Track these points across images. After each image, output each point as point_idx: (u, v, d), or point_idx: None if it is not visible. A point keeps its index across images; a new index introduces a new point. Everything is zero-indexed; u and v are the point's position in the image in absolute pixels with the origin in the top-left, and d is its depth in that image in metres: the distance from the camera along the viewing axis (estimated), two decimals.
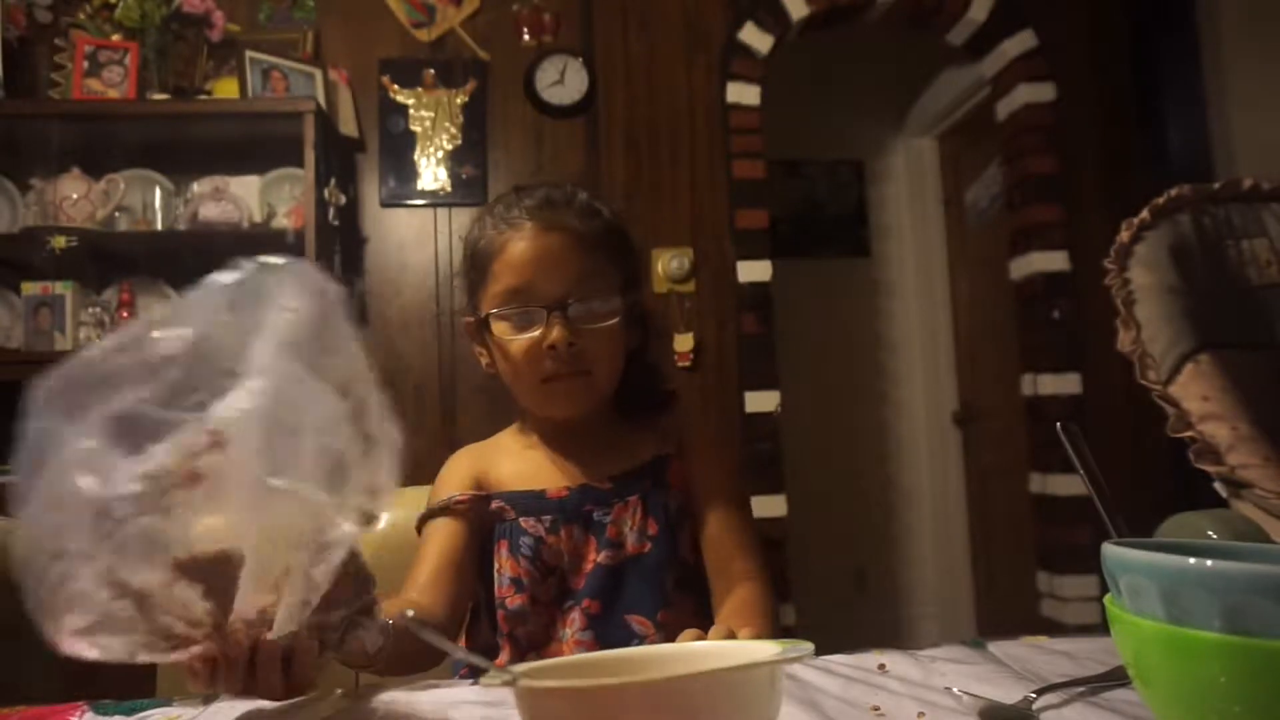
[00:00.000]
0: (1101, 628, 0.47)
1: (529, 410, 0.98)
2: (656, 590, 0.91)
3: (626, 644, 0.87)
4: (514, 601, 0.90)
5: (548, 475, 0.95)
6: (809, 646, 0.43)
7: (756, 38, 2.84)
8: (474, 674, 0.82)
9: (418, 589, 0.89)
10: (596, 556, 0.91)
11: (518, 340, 0.89)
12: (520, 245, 0.90)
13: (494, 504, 0.94)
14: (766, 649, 0.44)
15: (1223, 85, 2.76)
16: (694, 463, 0.99)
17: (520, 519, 0.92)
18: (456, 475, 0.98)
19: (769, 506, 2.67)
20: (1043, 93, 2.92)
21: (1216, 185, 1.23)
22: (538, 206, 0.91)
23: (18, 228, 2.45)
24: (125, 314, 2.42)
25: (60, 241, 2.35)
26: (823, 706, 0.57)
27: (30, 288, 2.39)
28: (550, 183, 0.98)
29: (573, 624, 0.89)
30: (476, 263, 0.94)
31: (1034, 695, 0.56)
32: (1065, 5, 2.99)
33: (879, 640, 0.78)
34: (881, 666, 0.65)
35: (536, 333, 0.88)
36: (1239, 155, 2.69)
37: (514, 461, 0.98)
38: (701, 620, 0.89)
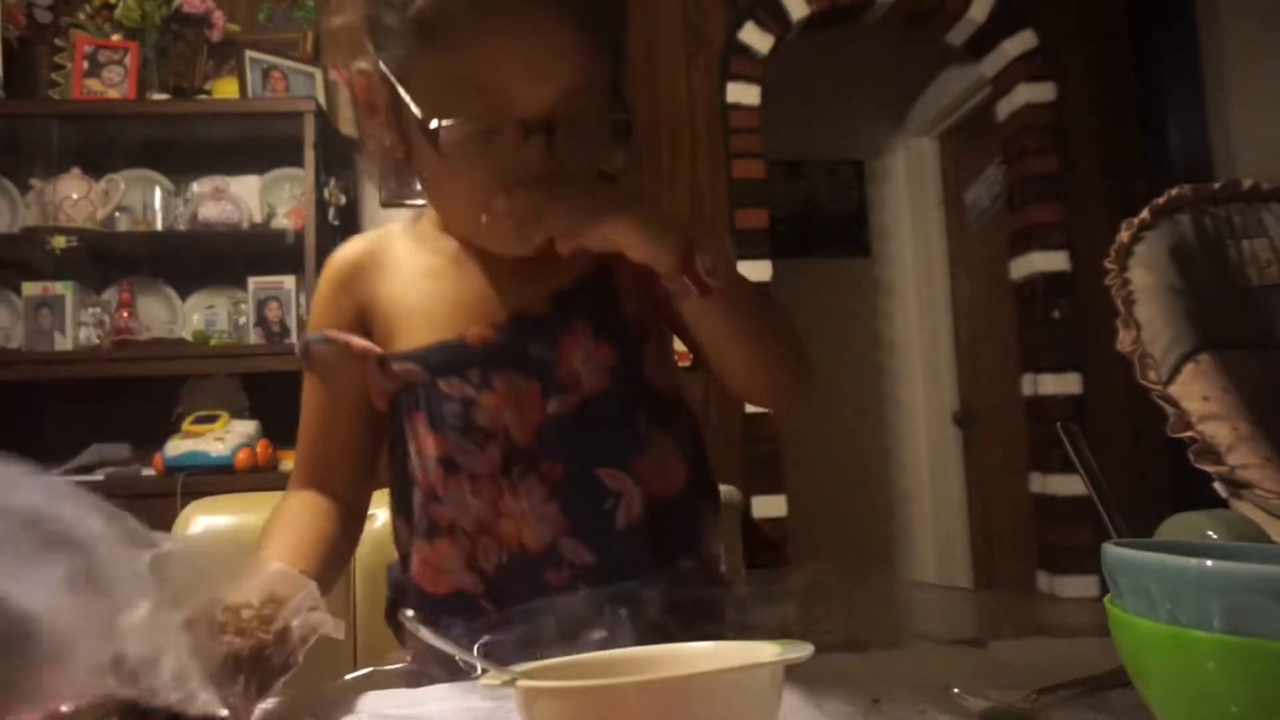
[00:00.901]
0: (1102, 628, 0.47)
1: (449, 228, 0.73)
2: (627, 433, 0.72)
3: (599, 507, 0.71)
4: (449, 488, 0.71)
5: (463, 307, 0.71)
6: (809, 647, 0.43)
7: (756, 38, 2.84)
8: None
9: (315, 466, 0.76)
10: (546, 405, 0.71)
11: (470, 166, 0.63)
12: (497, 15, 0.60)
13: (397, 367, 0.72)
14: (767, 649, 0.44)
15: (1223, 85, 2.76)
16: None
17: (438, 380, 0.70)
18: (332, 304, 0.76)
19: (769, 506, 2.67)
20: (1043, 93, 2.92)
21: (1217, 185, 1.23)
22: None
23: (18, 228, 2.45)
24: (125, 314, 2.42)
25: (60, 241, 2.35)
26: (822, 705, 0.57)
27: (30, 288, 2.39)
28: None
29: (530, 494, 0.70)
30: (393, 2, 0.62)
31: (1034, 695, 0.56)
32: (1065, 5, 2.98)
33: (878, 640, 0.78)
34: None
35: (499, 158, 0.62)
36: (1239, 155, 2.69)
37: (412, 286, 0.74)
38: (688, 456, 0.76)
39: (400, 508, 0.78)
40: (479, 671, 0.46)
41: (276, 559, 0.64)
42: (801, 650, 0.42)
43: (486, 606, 0.72)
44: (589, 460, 0.71)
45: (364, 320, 0.74)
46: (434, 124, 0.61)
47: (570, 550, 0.71)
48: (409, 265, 0.75)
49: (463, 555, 0.72)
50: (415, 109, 0.62)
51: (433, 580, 0.74)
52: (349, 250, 0.77)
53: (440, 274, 0.73)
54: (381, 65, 0.64)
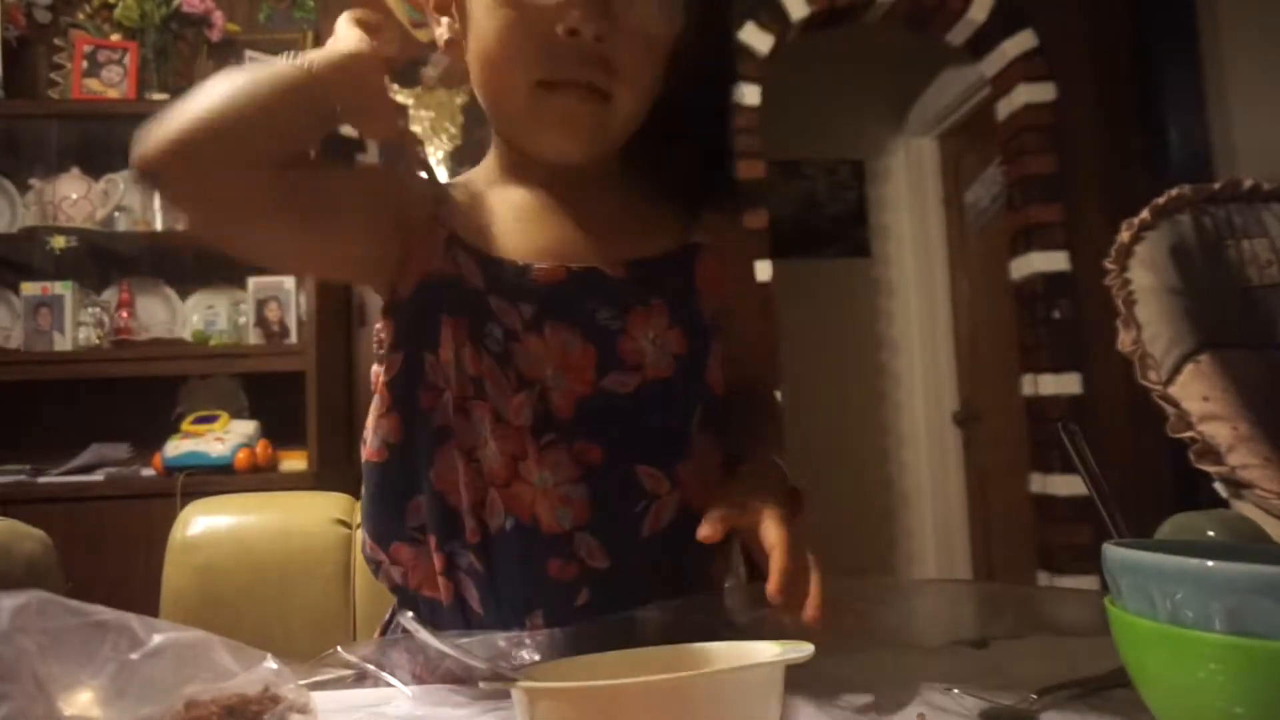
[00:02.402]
0: (1102, 628, 0.47)
1: (509, 145, 0.69)
2: (679, 432, 0.67)
3: (630, 508, 0.65)
4: (474, 411, 0.63)
5: (535, 235, 0.66)
6: (809, 647, 0.43)
7: (756, 37, 2.84)
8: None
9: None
10: (599, 379, 0.65)
11: (520, 18, 0.59)
12: None
13: (459, 255, 0.65)
14: (767, 649, 0.44)
15: (1223, 85, 2.76)
16: (732, 261, 0.73)
17: (490, 296, 0.64)
18: (387, 171, 0.73)
19: None
20: (1043, 93, 2.92)
21: (1217, 185, 1.23)
22: None
23: (17, 228, 2.45)
24: (125, 314, 2.42)
25: (60, 241, 2.35)
26: (822, 705, 0.57)
27: (30, 288, 2.39)
28: None
29: (557, 470, 0.64)
30: None
31: (1034, 695, 0.56)
32: (1065, 5, 2.98)
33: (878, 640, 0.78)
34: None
35: (549, 8, 0.58)
36: (1239, 155, 2.69)
37: (481, 209, 0.68)
38: (719, 471, 0.70)
39: (401, 401, 0.66)
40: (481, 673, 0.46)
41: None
42: (801, 650, 0.42)
43: (477, 567, 0.65)
44: (633, 452, 0.65)
45: (410, 220, 0.66)
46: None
47: (585, 548, 0.65)
48: (483, 198, 0.69)
49: (470, 491, 0.64)
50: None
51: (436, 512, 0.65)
52: (402, 176, 0.72)
53: (519, 211, 0.68)
54: None
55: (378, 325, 0.69)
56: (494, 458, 0.64)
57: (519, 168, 0.69)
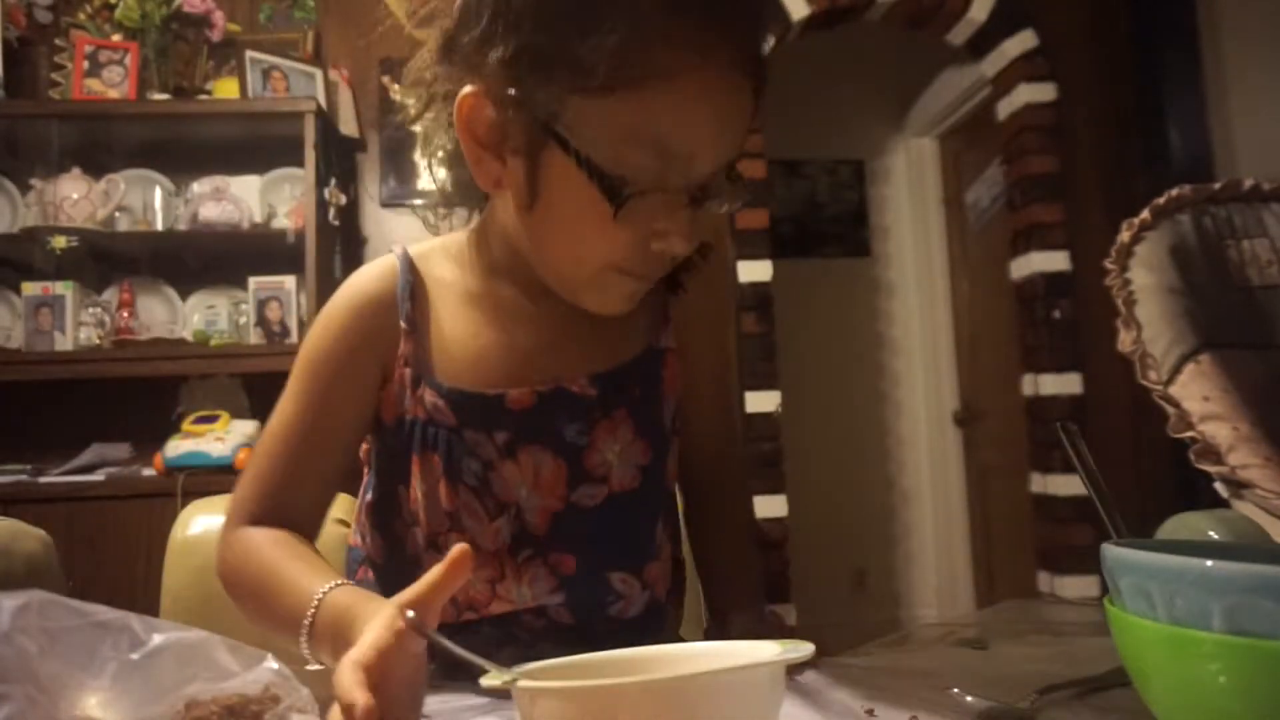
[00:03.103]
0: (1102, 628, 0.47)
1: (515, 258, 0.66)
2: (647, 538, 0.70)
3: (606, 608, 0.69)
4: (449, 544, 0.57)
5: (503, 364, 0.66)
6: (809, 647, 0.43)
7: None
8: None
9: (281, 490, 0.66)
10: (569, 493, 0.67)
11: (621, 224, 0.56)
12: (699, 82, 0.54)
13: (426, 395, 0.66)
14: (767, 649, 0.44)
15: (1224, 85, 2.76)
16: (694, 355, 0.73)
17: (465, 430, 0.65)
18: (352, 343, 0.67)
19: (770, 506, 2.67)
20: (1043, 93, 2.92)
21: (1217, 185, 1.23)
22: (733, 9, 0.56)
23: (18, 228, 2.45)
24: (126, 314, 2.42)
25: (60, 241, 2.35)
26: (821, 706, 0.57)
27: (31, 288, 2.39)
28: None
29: (534, 583, 0.66)
30: (587, 30, 0.53)
31: (1034, 695, 0.56)
32: (1066, 5, 2.98)
33: (878, 640, 0.78)
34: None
35: (658, 224, 0.58)
36: (1240, 155, 2.69)
37: (459, 317, 0.68)
38: (677, 553, 0.76)
39: (380, 527, 0.71)
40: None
41: (310, 585, 0.59)
42: (802, 650, 0.42)
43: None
44: (605, 560, 0.68)
45: (382, 352, 0.67)
46: (619, 185, 0.55)
47: (555, 612, 0.69)
48: (455, 293, 0.69)
49: (450, 611, 0.67)
50: (600, 165, 0.55)
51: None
52: (377, 277, 0.69)
53: (490, 316, 0.67)
54: (532, 101, 0.57)
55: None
56: (472, 585, 0.66)
57: (509, 273, 0.68)
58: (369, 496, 0.73)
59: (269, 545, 0.65)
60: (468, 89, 0.60)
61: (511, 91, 0.57)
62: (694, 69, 0.54)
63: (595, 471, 0.68)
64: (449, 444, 0.66)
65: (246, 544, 0.66)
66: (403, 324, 0.67)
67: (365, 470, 0.74)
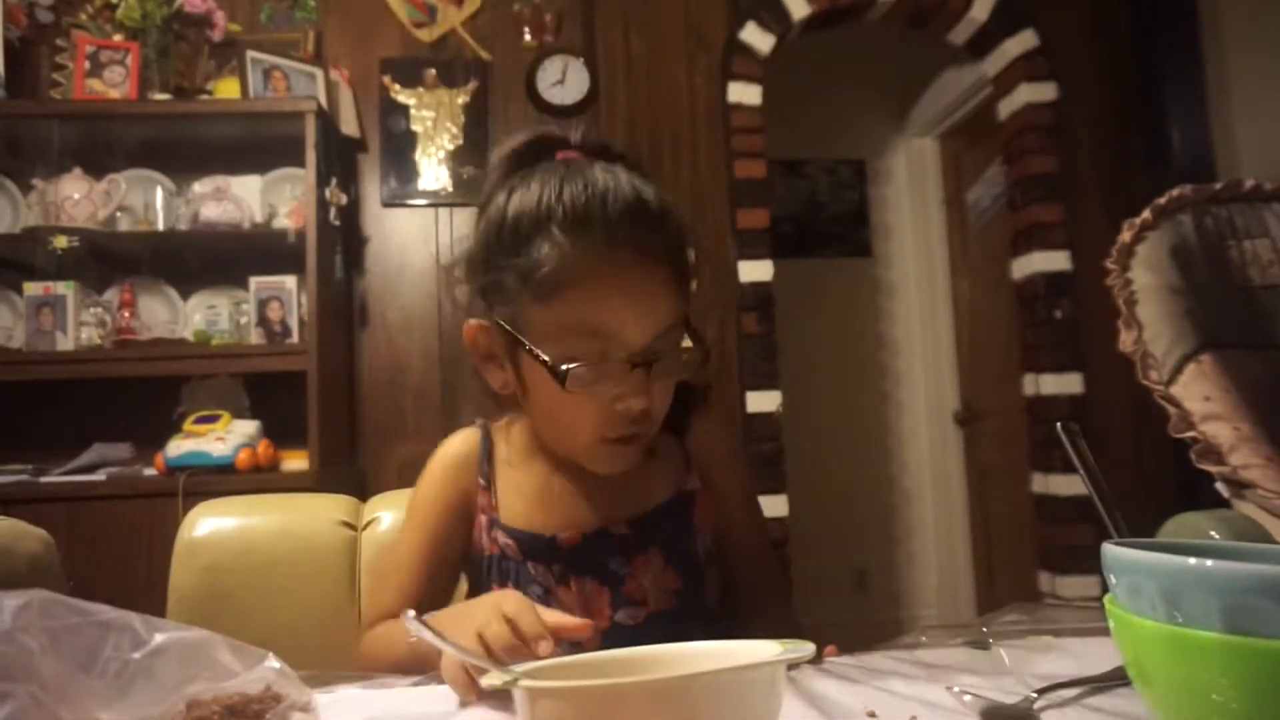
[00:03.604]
0: (1102, 628, 0.47)
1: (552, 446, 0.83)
2: None
3: None
4: None
5: (557, 511, 0.82)
6: (810, 646, 0.43)
7: (757, 37, 2.84)
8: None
9: (403, 603, 0.79)
10: (613, 614, 0.80)
11: (583, 396, 0.71)
12: (607, 275, 0.70)
13: (499, 535, 0.82)
14: (767, 649, 0.45)
15: (1225, 85, 2.76)
16: (719, 487, 0.86)
17: (529, 561, 0.81)
18: (441, 486, 0.86)
19: (771, 506, 2.67)
20: (1044, 92, 2.92)
21: (1218, 186, 1.23)
22: (625, 217, 0.71)
23: (19, 228, 2.45)
24: (127, 314, 2.42)
25: (62, 241, 2.35)
26: (822, 707, 0.57)
27: (32, 288, 2.39)
28: (589, 142, 0.78)
29: None
30: (520, 261, 0.72)
31: (1035, 695, 0.56)
32: (1067, 5, 2.98)
33: (879, 640, 0.78)
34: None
35: (610, 390, 0.72)
36: (1241, 155, 2.69)
37: (516, 484, 0.85)
38: None
39: None
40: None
41: None
42: (802, 650, 0.42)
43: None
44: None
45: (469, 500, 0.85)
46: (561, 366, 0.70)
47: None
48: (519, 456, 0.85)
49: None
50: (543, 355, 0.71)
51: None
52: (462, 442, 0.87)
53: (545, 473, 0.83)
54: (500, 319, 0.75)
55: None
56: None
57: (548, 447, 0.84)
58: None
59: (392, 623, 0.81)
60: (470, 321, 0.79)
61: (490, 314, 0.76)
62: (600, 267, 0.70)
63: (634, 596, 0.81)
64: (517, 573, 0.81)
65: (376, 631, 0.82)
66: (480, 481, 0.85)
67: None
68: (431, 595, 0.82)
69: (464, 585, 0.90)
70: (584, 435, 0.75)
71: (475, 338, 0.79)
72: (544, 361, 0.71)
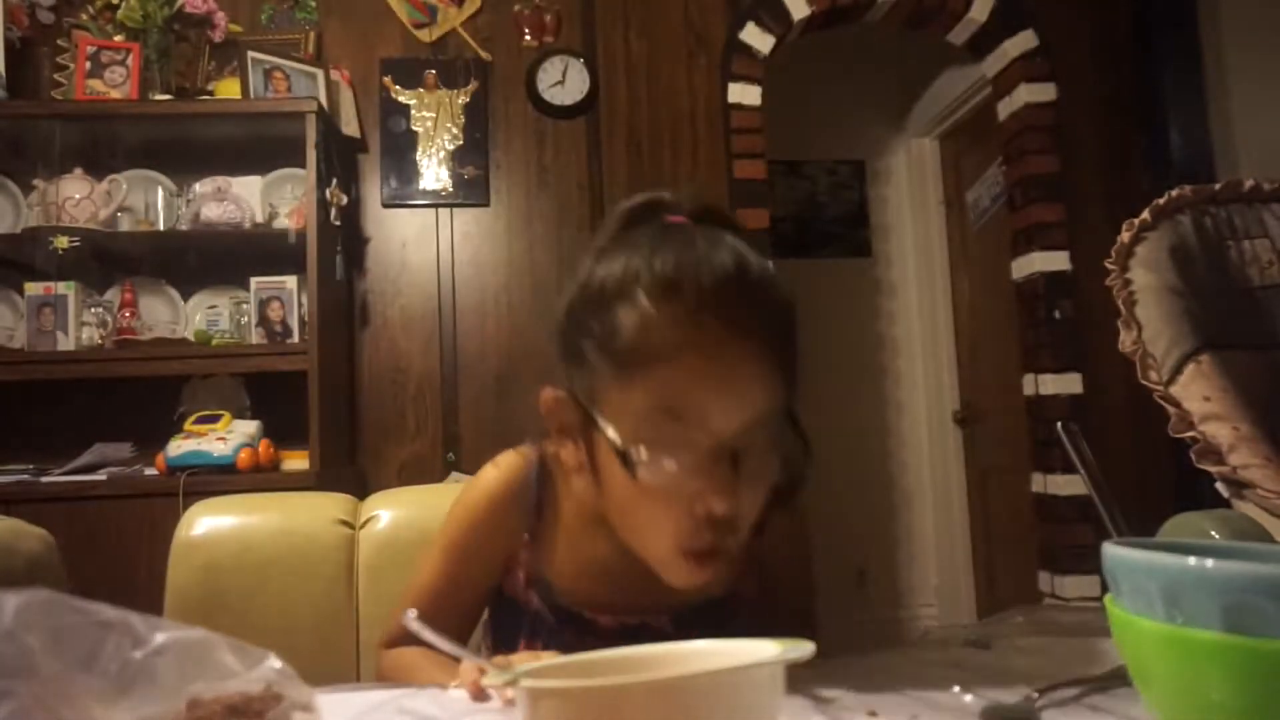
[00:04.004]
0: (1102, 628, 0.47)
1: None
2: None
3: None
4: None
5: (602, 589, 0.76)
6: (810, 646, 0.43)
7: (757, 38, 2.84)
8: None
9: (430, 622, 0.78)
10: None
11: (659, 492, 0.63)
12: (694, 350, 0.61)
13: (535, 598, 0.78)
14: (768, 649, 0.45)
15: (1224, 85, 2.76)
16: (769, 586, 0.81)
17: (564, 633, 0.77)
18: (481, 528, 0.79)
19: None
20: (1044, 93, 2.92)
21: (1217, 186, 1.23)
22: (719, 288, 0.62)
23: (20, 228, 2.45)
24: (128, 314, 2.42)
25: (63, 242, 2.35)
26: (822, 707, 0.57)
27: (33, 288, 2.39)
28: (698, 208, 0.69)
29: None
30: (601, 328, 0.64)
31: (1035, 695, 0.56)
32: (1066, 5, 2.98)
33: (879, 640, 0.78)
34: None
35: (689, 485, 0.62)
36: (1240, 156, 2.69)
37: (567, 546, 0.78)
38: None
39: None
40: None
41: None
42: (802, 649, 0.42)
43: None
44: None
45: (509, 544, 0.79)
46: (631, 451, 0.61)
47: None
48: (573, 514, 0.78)
49: None
50: (614, 435, 0.63)
51: None
52: (513, 477, 0.79)
53: (596, 543, 0.75)
54: (576, 391, 0.66)
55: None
56: None
57: (603, 524, 0.73)
58: (488, 640, 0.84)
59: (417, 653, 0.80)
60: (546, 389, 0.69)
61: (568, 384, 0.67)
62: (686, 340, 0.61)
63: None
64: (548, 638, 0.76)
65: (401, 652, 0.81)
66: (526, 536, 0.78)
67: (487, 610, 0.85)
68: (454, 625, 0.79)
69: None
70: (659, 542, 0.65)
71: (551, 408, 0.70)
72: (614, 444, 0.62)
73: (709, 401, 0.61)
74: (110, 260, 2.54)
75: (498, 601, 0.82)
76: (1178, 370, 1.10)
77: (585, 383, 0.65)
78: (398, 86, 2.74)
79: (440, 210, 2.74)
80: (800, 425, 0.69)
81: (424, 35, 2.77)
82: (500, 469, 0.79)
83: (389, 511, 1.09)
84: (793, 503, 0.73)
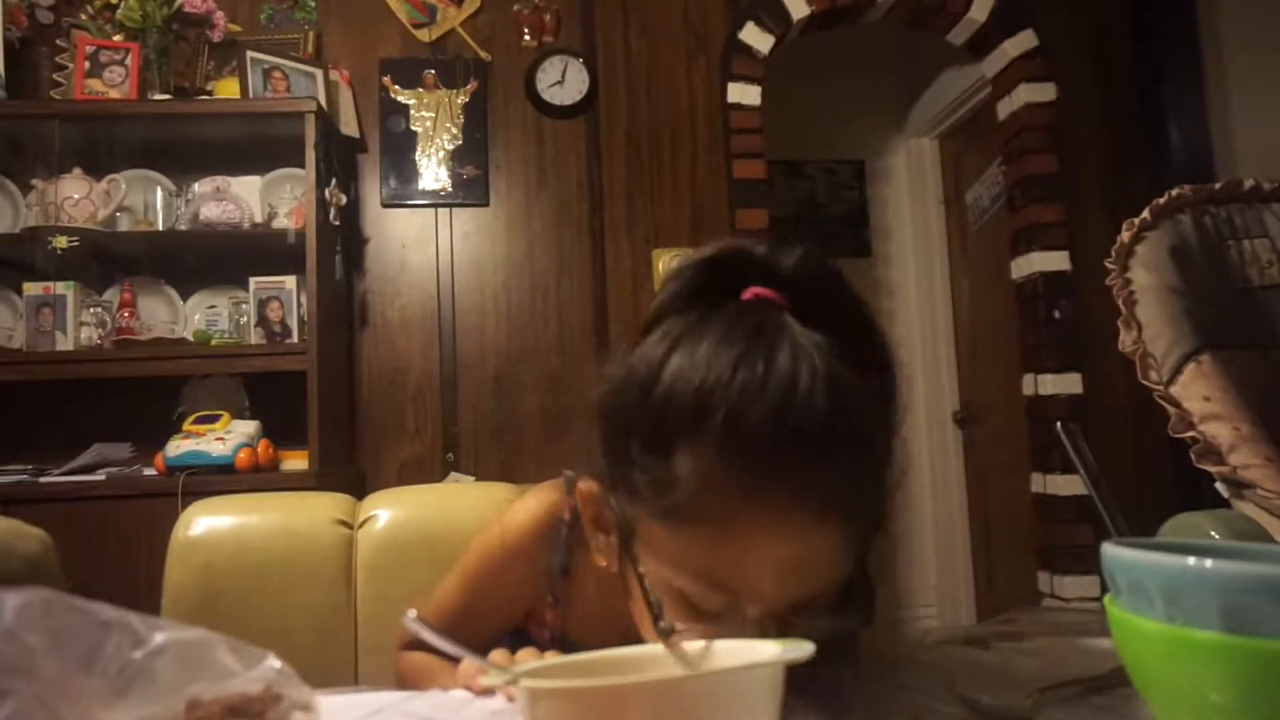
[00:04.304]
0: (1102, 628, 0.47)
1: None
2: None
3: None
4: None
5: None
6: (810, 646, 0.43)
7: (757, 38, 2.84)
8: None
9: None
10: None
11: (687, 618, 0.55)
12: (758, 519, 0.51)
13: (547, 639, 0.75)
14: (767, 649, 0.44)
15: (1224, 85, 2.76)
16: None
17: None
18: (501, 575, 0.76)
19: None
20: (1043, 92, 2.92)
21: (1217, 185, 1.23)
22: (803, 444, 0.50)
23: (19, 228, 2.45)
24: (127, 314, 2.42)
25: (62, 242, 2.35)
26: (823, 706, 0.57)
27: (32, 288, 2.39)
28: (798, 276, 0.57)
29: None
30: (656, 465, 0.53)
31: (1035, 695, 0.56)
32: (1066, 5, 2.99)
33: (879, 640, 0.78)
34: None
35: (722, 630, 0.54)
36: (1240, 155, 2.69)
37: (594, 600, 0.74)
38: None
39: None
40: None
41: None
42: (802, 650, 0.42)
43: None
44: None
45: (531, 597, 0.76)
46: (662, 606, 0.54)
47: None
48: (597, 580, 0.71)
49: None
50: (648, 584, 0.55)
51: None
52: (539, 524, 0.74)
53: (625, 615, 0.66)
54: (615, 508, 0.58)
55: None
56: None
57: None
58: None
59: (428, 656, 0.78)
60: (585, 483, 0.62)
61: (608, 493, 0.59)
62: (751, 506, 0.50)
63: None
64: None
65: (414, 655, 0.80)
66: (549, 598, 0.75)
67: None
68: (472, 647, 0.76)
69: None
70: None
71: (587, 505, 0.63)
72: (647, 598, 0.55)
73: (764, 576, 0.52)
74: (109, 260, 2.54)
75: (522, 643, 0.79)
76: (1178, 370, 1.10)
77: (626, 501, 0.56)
78: (397, 86, 2.74)
79: (440, 210, 2.74)
80: (869, 574, 0.59)
81: (423, 35, 2.77)
82: (524, 521, 0.74)
83: (388, 511, 1.09)
84: (850, 653, 0.63)
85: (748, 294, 0.55)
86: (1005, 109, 3.03)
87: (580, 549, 0.72)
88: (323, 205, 2.39)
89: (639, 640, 0.65)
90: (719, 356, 0.51)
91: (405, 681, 0.78)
